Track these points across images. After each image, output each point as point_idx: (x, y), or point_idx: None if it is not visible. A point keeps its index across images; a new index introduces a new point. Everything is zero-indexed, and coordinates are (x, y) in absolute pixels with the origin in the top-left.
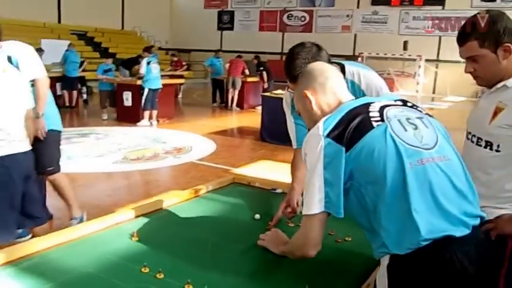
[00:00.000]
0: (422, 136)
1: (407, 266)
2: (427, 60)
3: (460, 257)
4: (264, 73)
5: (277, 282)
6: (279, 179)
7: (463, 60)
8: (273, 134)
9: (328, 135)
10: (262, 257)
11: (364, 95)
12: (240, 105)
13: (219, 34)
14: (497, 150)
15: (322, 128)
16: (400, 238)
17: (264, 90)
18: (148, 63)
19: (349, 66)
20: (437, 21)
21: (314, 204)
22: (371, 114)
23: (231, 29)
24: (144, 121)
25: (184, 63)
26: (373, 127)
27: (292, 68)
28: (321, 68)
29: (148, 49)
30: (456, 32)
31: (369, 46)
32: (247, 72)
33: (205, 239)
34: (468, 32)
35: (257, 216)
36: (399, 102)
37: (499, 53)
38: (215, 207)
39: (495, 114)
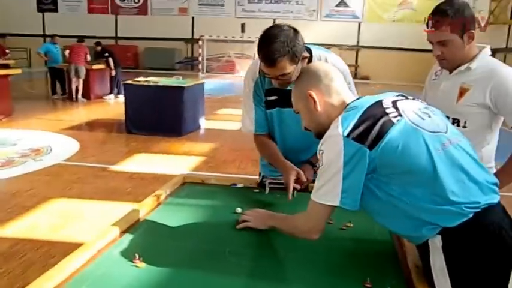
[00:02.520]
0: (438, 123)
1: (461, 243)
2: None
3: (503, 224)
4: (110, 60)
5: (302, 274)
6: (180, 171)
7: None
8: (140, 124)
9: (348, 135)
10: (272, 253)
11: None
12: (86, 95)
13: (41, 16)
14: (464, 126)
15: (341, 128)
16: (441, 213)
17: (112, 78)
18: None
19: (316, 50)
20: (271, 4)
21: (330, 196)
22: (388, 111)
23: (55, 10)
24: None
25: (7, 50)
26: (393, 123)
27: (270, 51)
28: (325, 69)
29: None
30: (290, 15)
31: (208, 29)
32: (89, 58)
33: (208, 250)
34: (441, 18)
35: (239, 209)
36: (402, 97)
37: (464, 39)
38: (190, 212)
39: (461, 94)
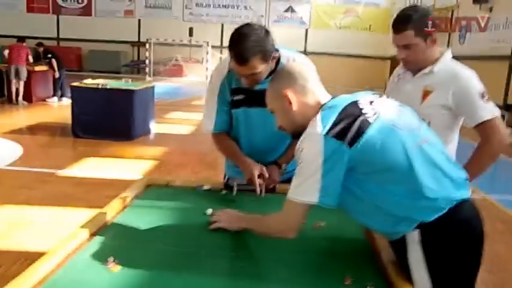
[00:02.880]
0: (411, 122)
1: (437, 236)
2: (212, 47)
3: (474, 218)
4: (54, 61)
5: (290, 275)
6: (132, 175)
7: None
8: (88, 128)
9: (327, 133)
10: (249, 253)
11: None
12: (27, 98)
13: None
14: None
15: (321, 126)
16: (418, 209)
17: (55, 81)
18: None
19: (284, 50)
20: (219, 9)
21: (308, 194)
22: (364, 111)
23: None
24: None
25: None
26: (370, 123)
27: (242, 50)
28: (300, 69)
29: None
30: (238, 20)
31: (155, 32)
32: (30, 59)
33: (184, 252)
34: (405, 23)
35: (209, 211)
36: (377, 96)
37: (427, 42)
38: (159, 214)
39: (424, 96)
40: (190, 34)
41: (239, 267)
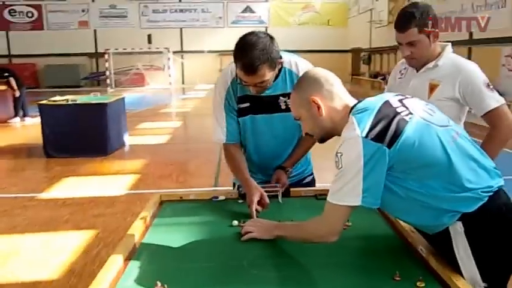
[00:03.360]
0: (442, 118)
1: (480, 225)
2: (173, 52)
3: (510, 203)
4: (12, 79)
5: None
6: (117, 191)
7: (206, 50)
8: (61, 147)
9: (366, 136)
10: (291, 260)
11: None
12: None
13: None
14: None
15: (358, 129)
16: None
17: (16, 100)
18: None
19: (286, 55)
20: (176, 14)
21: (350, 197)
22: (398, 110)
23: None
24: None
25: None
26: (406, 121)
27: (250, 59)
28: (325, 74)
29: None
30: (196, 23)
31: (113, 42)
32: None
33: (225, 266)
34: (409, 21)
35: (235, 222)
36: (402, 96)
37: (430, 38)
38: (186, 231)
39: (431, 90)
40: (149, 41)
41: (288, 275)
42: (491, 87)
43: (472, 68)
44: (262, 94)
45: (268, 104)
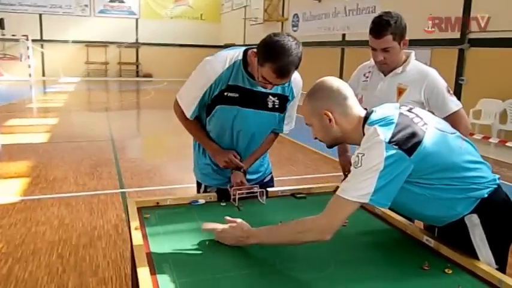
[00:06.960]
0: (448, 125)
1: (493, 214)
2: (32, 41)
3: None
4: None
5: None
6: (8, 199)
7: (71, 40)
8: None
9: (389, 142)
10: (315, 259)
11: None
12: None
13: None
14: None
15: (382, 135)
16: (474, 191)
17: None
18: None
19: None
20: None
21: (361, 193)
22: (415, 120)
23: None
24: None
25: None
26: (424, 131)
27: (288, 64)
28: (338, 87)
29: None
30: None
31: None
32: None
33: (256, 269)
34: (386, 28)
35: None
36: (411, 106)
37: (401, 45)
38: (188, 241)
39: (399, 93)
40: (2, 27)
41: (319, 274)
42: (451, 92)
43: (435, 73)
44: (255, 89)
45: (258, 100)
